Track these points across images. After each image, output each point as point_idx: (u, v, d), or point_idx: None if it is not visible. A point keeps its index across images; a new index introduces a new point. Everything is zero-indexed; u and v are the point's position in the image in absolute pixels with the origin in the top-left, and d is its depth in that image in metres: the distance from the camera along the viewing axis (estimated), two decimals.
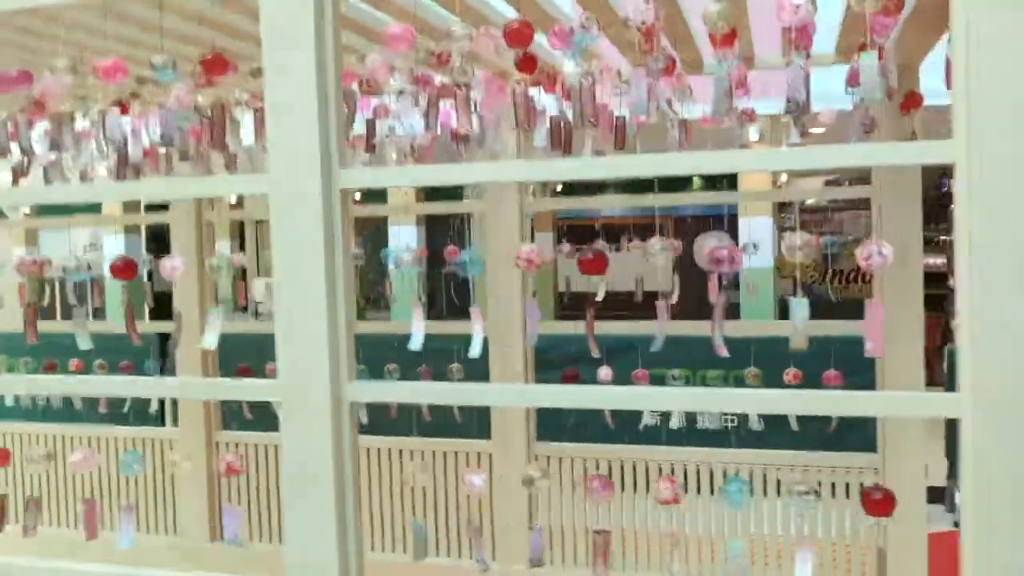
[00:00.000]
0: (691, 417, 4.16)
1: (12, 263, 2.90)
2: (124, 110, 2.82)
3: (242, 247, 11.97)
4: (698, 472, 3.30)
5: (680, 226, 10.56)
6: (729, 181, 9.62)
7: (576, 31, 1.79)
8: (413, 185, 1.88)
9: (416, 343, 2.00)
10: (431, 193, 5.89)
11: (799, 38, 1.89)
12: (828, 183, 9.50)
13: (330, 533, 1.83)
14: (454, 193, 4.35)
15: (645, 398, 1.72)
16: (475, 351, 2.27)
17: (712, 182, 9.89)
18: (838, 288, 10.53)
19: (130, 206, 8.66)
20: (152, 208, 4.68)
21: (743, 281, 7.82)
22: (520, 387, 1.67)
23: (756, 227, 7.25)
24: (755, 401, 1.68)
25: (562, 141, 2.60)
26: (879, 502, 1.56)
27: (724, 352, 1.93)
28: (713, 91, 1.83)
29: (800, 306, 1.58)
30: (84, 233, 11.55)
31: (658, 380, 3.51)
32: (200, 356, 3.76)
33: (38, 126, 3.00)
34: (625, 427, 3.59)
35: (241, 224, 12.00)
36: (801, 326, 1.57)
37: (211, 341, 1.95)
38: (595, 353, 1.85)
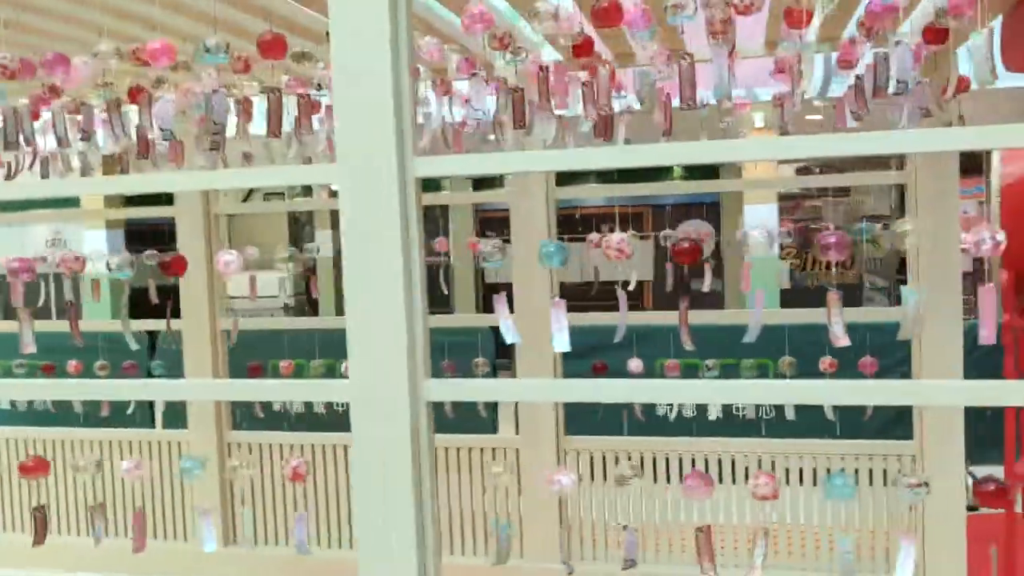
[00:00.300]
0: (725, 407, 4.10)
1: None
2: (134, 97, 2.68)
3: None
4: (733, 463, 3.26)
5: (659, 215, 10.58)
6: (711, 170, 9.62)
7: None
8: (488, 173, 1.80)
9: (512, 338, 1.89)
10: (427, 185, 5.78)
11: (877, 21, 1.85)
12: (799, 171, 9.58)
13: (408, 536, 1.75)
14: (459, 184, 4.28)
15: (692, 390, 1.67)
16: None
17: (692, 171, 9.89)
18: (812, 275, 10.67)
19: (111, 200, 8.47)
20: (139, 202, 4.52)
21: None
22: (595, 383, 1.60)
23: (760, 215, 7.25)
24: (827, 392, 1.63)
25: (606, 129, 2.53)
26: (992, 494, 1.53)
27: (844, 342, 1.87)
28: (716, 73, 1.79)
29: (911, 295, 1.53)
30: (45, 229, 11.23)
31: (690, 370, 3.46)
32: (211, 356, 3.64)
33: (44, 114, 2.85)
34: (650, 418, 3.57)
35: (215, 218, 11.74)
36: (912, 315, 1.52)
37: None
38: (688, 346, 1.79)
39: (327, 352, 3.93)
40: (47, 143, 2.40)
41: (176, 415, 3.93)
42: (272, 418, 4.29)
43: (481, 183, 8.11)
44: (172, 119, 2.03)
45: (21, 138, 2.09)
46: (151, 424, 5.57)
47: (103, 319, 5.25)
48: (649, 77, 2.13)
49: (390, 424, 1.73)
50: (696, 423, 3.65)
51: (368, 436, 1.74)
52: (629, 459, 3.32)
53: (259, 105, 2.74)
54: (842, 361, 3.12)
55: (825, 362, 3.13)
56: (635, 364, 3.27)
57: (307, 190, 9.50)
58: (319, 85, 2.48)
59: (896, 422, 3.91)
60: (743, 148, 1.69)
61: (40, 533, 2.22)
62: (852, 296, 9.71)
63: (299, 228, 11.45)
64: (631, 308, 3.47)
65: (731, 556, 3.17)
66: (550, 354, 3.37)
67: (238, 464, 2.18)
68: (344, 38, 1.72)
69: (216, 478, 3.63)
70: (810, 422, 3.30)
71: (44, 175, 2.56)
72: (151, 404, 5.65)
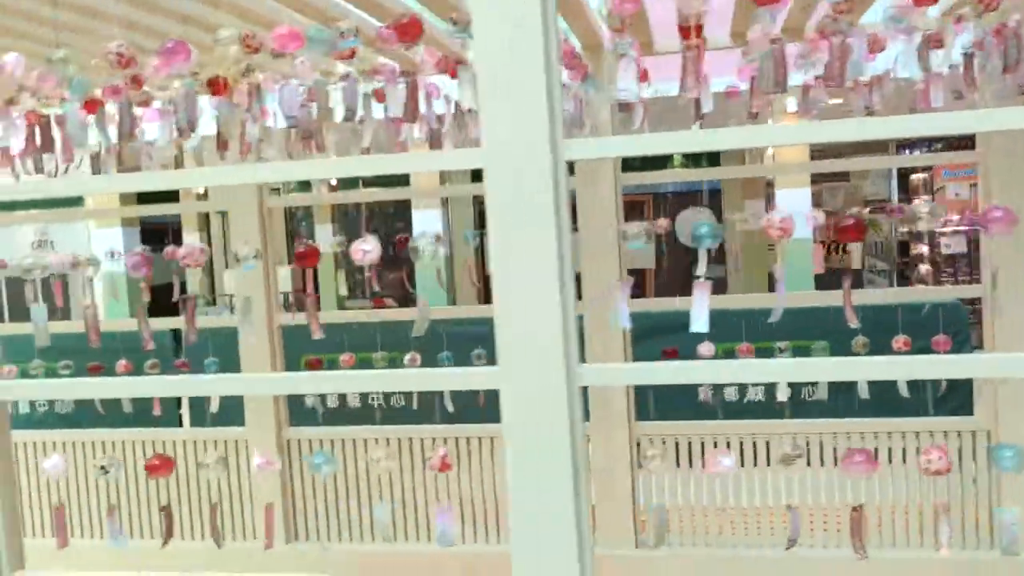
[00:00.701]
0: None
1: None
2: (217, 88, 2.61)
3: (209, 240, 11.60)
4: (808, 443, 3.27)
5: (660, 203, 10.60)
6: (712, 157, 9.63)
7: None
8: (638, 153, 1.78)
9: (624, 320, 1.88)
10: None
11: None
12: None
13: (568, 527, 1.74)
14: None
15: (775, 370, 1.66)
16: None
17: (695, 158, 9.90)
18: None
19: (125, 198, 8.32)
20: (154, 200, 4.40)
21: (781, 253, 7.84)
22: (746, 363, 1.61)
23: (793, 199, 7.25)
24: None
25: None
26: None
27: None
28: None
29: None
30: (29, 230, 11.02)
31: (763, 353, 3.47)
32: (269, 350, 3.59)
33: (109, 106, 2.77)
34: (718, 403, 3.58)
35: (207, 216, 11.61)
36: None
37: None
38: (853, 323, 1.78)
39: (360, 346, 3.84)
40: (141, 134, 2.33)
41: (202, 415, 3.85)
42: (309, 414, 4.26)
43: None
44: (298, 106, 1.99)
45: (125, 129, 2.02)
46: (177, 424, 5.49)
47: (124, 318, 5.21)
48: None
49: (545, 411, 1.71)
50: (762, 407, 3.66)
51: (522, 423, 1.72)
52: (704, 444, 3.33)
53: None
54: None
55: (899, 340, 3.14)
56: (706, 348, 3.26)
57: (304, 185, 9.40)
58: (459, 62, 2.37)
59: (946, 400, 3.95)
60: (842, 129, 1.67)
61: (168, 532, 2.18)
62: (857, 280, 9.80)
63: (295, 223, 11.35)
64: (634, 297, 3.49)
65: (826, 537, 3.19)
66: (619, 339, 3.37)
67: (381, 456, 2.14)
68: (492, 19, 1.69)
69: (277, 475, 3.58)
70: (873, 403, 3.32)
71: (124, 168, 2.50)
72: (177, 403, 5.58)
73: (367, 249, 1.82)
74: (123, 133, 1.94)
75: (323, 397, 4.18)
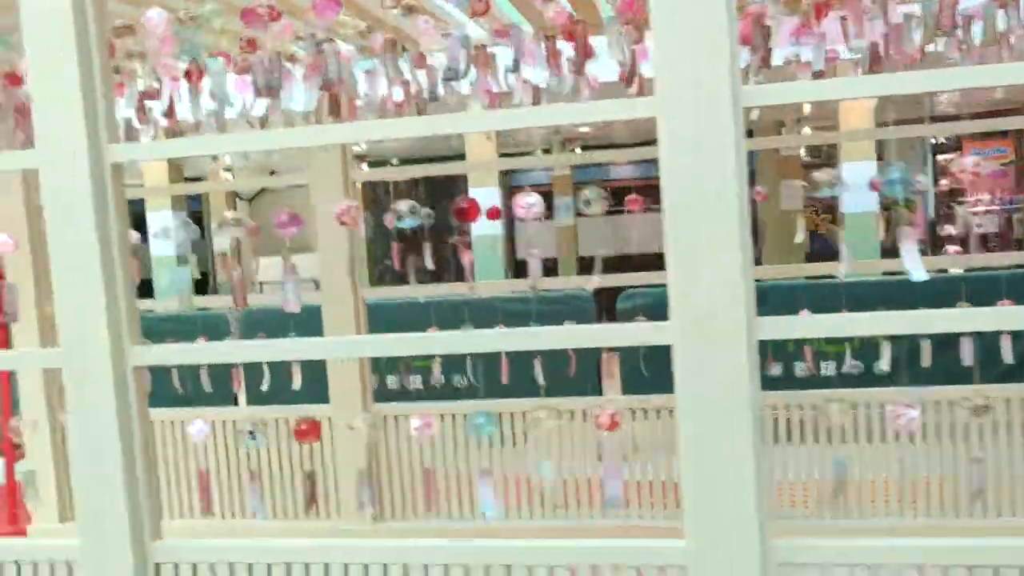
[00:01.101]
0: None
1: None
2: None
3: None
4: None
5: None
6: None
7: None
8: (820, 99, 1.73)
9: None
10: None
11: None
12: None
13: (749, 498, 1.70)
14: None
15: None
16: (917, 275, 2.15)
17: None
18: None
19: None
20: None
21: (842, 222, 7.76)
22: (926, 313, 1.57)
23: (859, 171, 7.15)
24: None
25: None
26: None
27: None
28: None
29: None
30: None
31: None
32: (354, 327, 3.55)
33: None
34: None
35: (235, 196, 11.56)
36: None
37: None
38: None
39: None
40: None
41: (259, 395, 3.81)
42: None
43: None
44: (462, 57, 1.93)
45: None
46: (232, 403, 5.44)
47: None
48: None
49: (723, 369, 1.67)
50: (860, 380, 3.60)
51: (698, 371, 1.68)
52: (801, 416, 3.28)
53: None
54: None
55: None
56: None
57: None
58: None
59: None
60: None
61: (312, 498, 2.15)
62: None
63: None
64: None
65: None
66: None
67: (543, 416, 2.08)
68: None
69: (363, 452, 3.54)
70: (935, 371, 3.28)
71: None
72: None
73: (531, 202, 1.77)
74: (273, 87, 1.89)
75: (405, 379, 4.15)
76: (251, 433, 2.06)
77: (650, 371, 3.64)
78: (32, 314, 3.53)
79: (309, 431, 2.06)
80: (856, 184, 3.25)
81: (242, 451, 3.47)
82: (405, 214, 3.24)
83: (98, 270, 1.85)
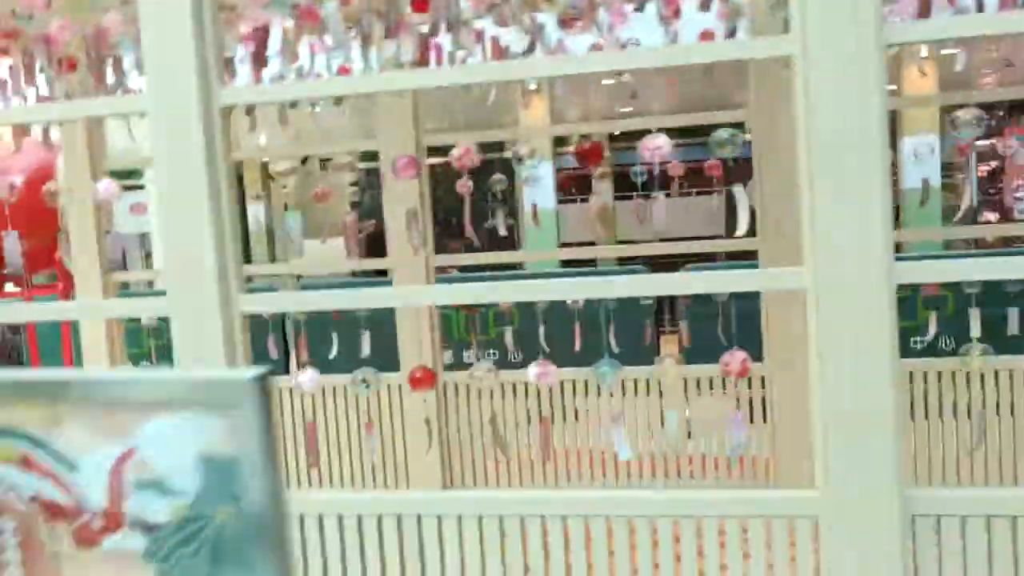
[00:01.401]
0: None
1: None
2: None
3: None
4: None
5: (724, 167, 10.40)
6: None
7: None
8: (962, 35, 1.66)
9: None
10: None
11: None
12: None
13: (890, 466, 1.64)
14: None
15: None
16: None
17: None
18: None
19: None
20: None
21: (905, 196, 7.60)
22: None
23: (918, 147, 7.03)
24: None
25: None
26: None
27: None
28: None
29: None
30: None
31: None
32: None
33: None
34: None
35: (269, 177, 11.53)
36: None
37: None
38: None
39: None
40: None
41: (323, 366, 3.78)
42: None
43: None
44: None
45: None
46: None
47: None
48: None
49: (862, 312, 1.62)
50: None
51: (838, 321, 1.63)
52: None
53: None
54: None
55: None
56: None
57: None
58: None
59: None
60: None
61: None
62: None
63: None
64: None
65: None
66: None
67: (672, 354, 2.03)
68: None
69: (434, 419, 3.51)
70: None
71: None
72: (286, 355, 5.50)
73: (659, 144, 1.72)
74: (390, 27, 1.85)
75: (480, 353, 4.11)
76: (364, 380, 2.04)
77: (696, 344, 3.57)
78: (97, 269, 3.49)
79: (424, 379, 2.03)
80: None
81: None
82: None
83: (207, 216, 1.82)
